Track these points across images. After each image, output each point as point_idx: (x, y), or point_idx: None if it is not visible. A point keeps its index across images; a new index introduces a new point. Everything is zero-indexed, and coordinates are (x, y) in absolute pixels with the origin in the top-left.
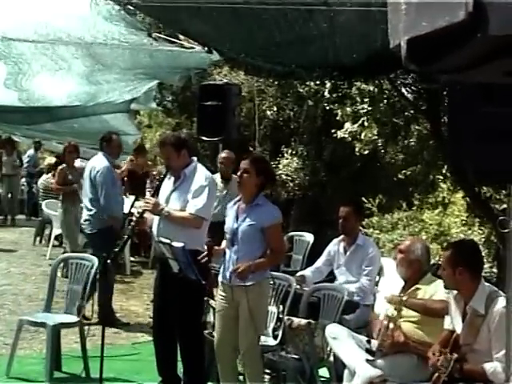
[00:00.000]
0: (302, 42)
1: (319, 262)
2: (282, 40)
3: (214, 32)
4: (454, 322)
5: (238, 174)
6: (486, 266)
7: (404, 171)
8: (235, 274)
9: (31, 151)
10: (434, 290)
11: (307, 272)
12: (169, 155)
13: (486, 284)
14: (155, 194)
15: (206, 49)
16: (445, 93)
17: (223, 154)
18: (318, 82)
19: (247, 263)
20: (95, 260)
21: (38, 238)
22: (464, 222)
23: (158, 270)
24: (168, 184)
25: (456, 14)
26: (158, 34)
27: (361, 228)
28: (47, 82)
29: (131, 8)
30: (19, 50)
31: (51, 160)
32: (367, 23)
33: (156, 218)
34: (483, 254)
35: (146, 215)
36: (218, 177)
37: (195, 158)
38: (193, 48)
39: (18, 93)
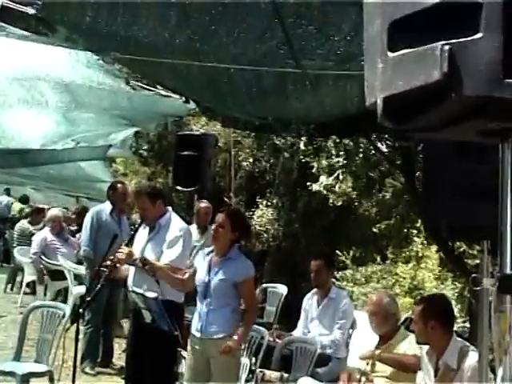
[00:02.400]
0: (277, 97)
1: (300, 326)
2: (258, 94)
3: (190, 84)
4: (426, 376)
5: (213, 227)
6: (459, 320)
7: (378, 225)
8: (225, 350)
9: (4, 197)
10: (408, 346)
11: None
12: (144, 205)
13: (458, 339)
14: (129, 243)
15: (184, 98)
16: (419, 148)
17: (201, 204)
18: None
19: (233, 341)
20: (66, 308)
21: (10, 285)
22: (437, 276)
23: (131, 320)
24: (143, 234)
25: (431, 74)
26: (135, 82)
27: (334, 281)
28: (23, 117)
29: (110, 58)
30: None
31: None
32: (344, 81)
33: (132, 268)
34: (456, 308)
35: (120, 265)
36: (194, 227)
37: (170, 208)
38: (169, 96)
39: None
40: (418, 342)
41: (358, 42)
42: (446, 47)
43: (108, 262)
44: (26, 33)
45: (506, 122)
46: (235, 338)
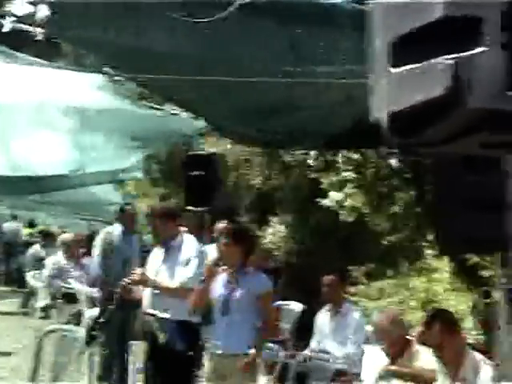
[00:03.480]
0: (286, 112)
1: (314, 342)
2: (266, 110)
3: (199, 100)
4: None
5: (219, 249)
6: (473, 332)
7: (390, 238)
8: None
9: (12, 223)
10: (423, 359)
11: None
12: (157, 226)
13: (474, 352)
14: (144, 264)
15: (192, 115)
16: (428, 162)
17: (220, 225)
18: (303, 152)
19: (252, 357)
20: (81, 331)
21: (24, 310)
22: (451, 288)
23: (147, 341)
24: (157, 255)
25: (435, 89)
26: (145, 103)
27: (348, 296)
28: (33, 144)
29: (118, 78)
30: (6, 107)
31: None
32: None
33: (147, 289)
34: (471, 320)
35: (134, 286)
36: (213, 247)
37: (182, 229)
38: (178, 114)
39: (5, 158)
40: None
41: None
42: (450, 61)
43: (121, 284)
44: (34, 58)
45: (509, 134)
46: (253, 352)
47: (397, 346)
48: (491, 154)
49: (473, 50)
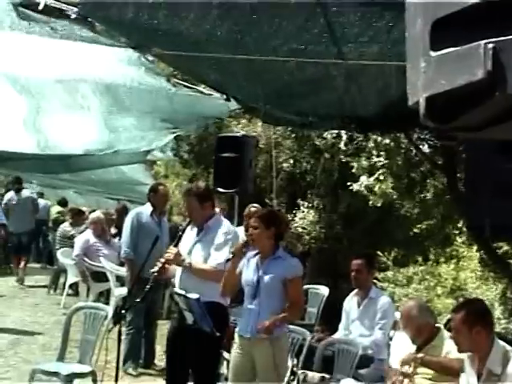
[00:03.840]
0: (318, 92)
1: (341, 327)
2: (299, 90)
3: (231, 81)
4: (469, 381)
5: (249, 233)
6: (502, 321)
7: (419, 225)
8: (261, 329)
9: (41, 200)
10: (451, 347)
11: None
12: (192, 206)
13: (501, 342)
14: (177, 244)
15: (225, 96)
16: (461, 148)
17: (251, 208)
18: (334, 135)
19: (273, 318)
20: (109, 309)
21: (53, 287)
22: (479, 276)
23: (173, 321)
24: (190, 235)
25: (475, 73)
26: (176, 80)
27: (376, 282)
28: (65, 124)
29: (150, 56)
30: (40, 85)
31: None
32: (384, 76)
33: (179, 269)
34: (499, 309)
35: (169, 265)
36: (242, 230)
37: (218, 210)
38: (211, 95)
39: (37, 137)
40: (461, 351)
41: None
42: (490, 45)
43: (157, 263)
44: (67, 31)
45: None
46: (273, 319)
47: (424, 334)
48: None
49: None
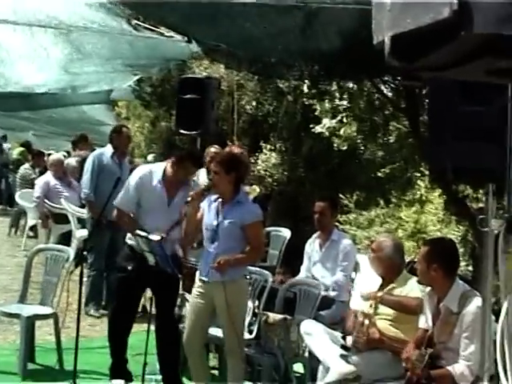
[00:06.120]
0: (280, 36)
1: (303, 269)
2: (261, 34)
3: (193, 23)
4: (428, 319)
5: (210, 177)
6: (462, 264)
7: (383, 169)
8: (215, 267)
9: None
10: (410, 288)
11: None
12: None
13: (461, 282)
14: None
15: (186, 39)
16: (425, 92)
17: (212, 149)
18: (297, 78)
19: (227, 257)
20: (70, 251)
21: (13, 229)
22: (441, 220)
23: (134, 262)
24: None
25: (440, 12)
26: (137, 22)
27: (337, 224)
28: (25, 70)
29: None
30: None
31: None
32: (347, 19)
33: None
34: (459, 252)
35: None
36: (203, 171)
37: None
38: (172, 37)
39: None
40: (420, 282)
41: None
42: None
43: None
44: None
45: None
46: (227, 258)
47: (393, 273)
48: (496, 82)
49: None
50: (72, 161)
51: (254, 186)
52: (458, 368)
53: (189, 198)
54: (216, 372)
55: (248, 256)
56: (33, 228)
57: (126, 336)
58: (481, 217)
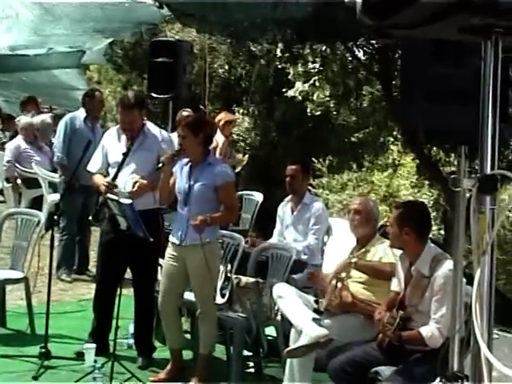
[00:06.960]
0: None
1: (276, 233)
2: None
3: None
4: (400, 282)
5: (179, 141)
6: (434, 228)
7: (356, 134)
8: (193, 225)
9: None
10: (384, 253)
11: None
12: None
13: (433, 246)
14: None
15: (157, 3)
16: (398, 56)
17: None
18: (270, 41)
19: (203, 216)
20: (41, 216)
21: None
22: (413, 184)
23: (106, 226)
24: (119, 145)
25: None
26: None
27: (310, 188)
28: None
29: None
30: None
31: None
32: None
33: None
34: (431, 216)
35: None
36: (175, 135)
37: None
38: (143, 2)
39: None
40: (392, 246)
41: None
42: None
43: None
44: None
45: (488, 17)
46: (205, 216)
47: (367, 230)
48: (468, 40)
49: None
50: (46, 117)
51: (247, 156)
52: (429, 330)
53: (160, 165)
54: (188, 336)
55: (224, 215)
56: (1, 192)
57: (109, 302)
58: (453, 176)
